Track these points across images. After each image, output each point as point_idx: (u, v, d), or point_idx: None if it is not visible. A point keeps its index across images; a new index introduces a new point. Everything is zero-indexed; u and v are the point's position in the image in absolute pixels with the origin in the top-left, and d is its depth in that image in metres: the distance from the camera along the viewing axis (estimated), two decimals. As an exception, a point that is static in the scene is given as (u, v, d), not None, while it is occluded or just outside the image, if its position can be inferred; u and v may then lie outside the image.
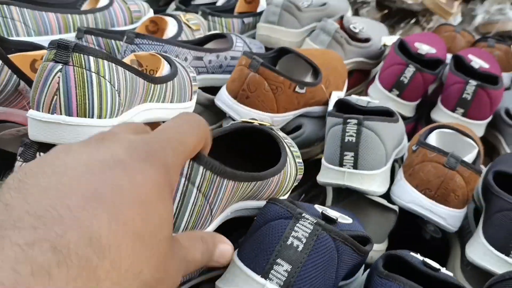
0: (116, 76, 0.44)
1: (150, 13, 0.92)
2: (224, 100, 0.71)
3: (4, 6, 0.73)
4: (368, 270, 0.48)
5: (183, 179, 0.36)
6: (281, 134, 0.58)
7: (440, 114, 0.89)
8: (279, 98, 0.71)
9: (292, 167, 0.55)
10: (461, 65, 0.94)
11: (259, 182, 0.46)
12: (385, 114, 0.70)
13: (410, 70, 0.88)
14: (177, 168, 0.29)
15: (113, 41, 0.73)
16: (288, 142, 0.57)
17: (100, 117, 0.43)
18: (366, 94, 0.96)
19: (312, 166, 0.74)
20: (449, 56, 1.05)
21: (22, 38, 0.73)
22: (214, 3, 1.12)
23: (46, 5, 0.78)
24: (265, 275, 0.39)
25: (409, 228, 0.76)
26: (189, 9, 1.00)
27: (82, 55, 0.41)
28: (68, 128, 0.42)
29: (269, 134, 0.53)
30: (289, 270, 0.39)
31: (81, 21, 0.80)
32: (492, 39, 1.12)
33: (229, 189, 0.42)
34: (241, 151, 0.55)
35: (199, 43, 0.81)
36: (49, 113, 0.42)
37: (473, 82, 0.85)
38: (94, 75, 0.42)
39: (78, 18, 0.80)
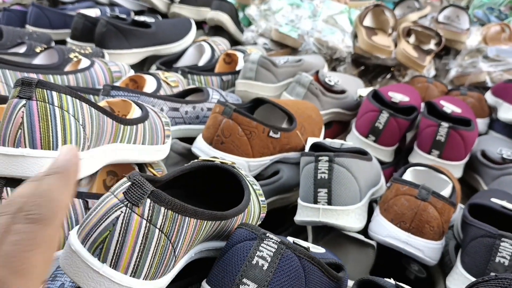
0: (81, 111, 0.46)
1: (131, 73, 0.95)
2: (200, 147, 0.73)
3: (-13, 68, 0.76)
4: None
5: (144, 222, 0.36)
6: (243, 172, 0.58)
7: (417, 157, 0.91)
8: (253, 143, 0.73)
9: (255, 205, 0.54)
10: (434, 110, 0.97)
11: (224, 221, 0.46)
12: (358, 153, 0.71)
13: (384, 116, 0.91)
14: None
15: (91, 96, 0.75)
16: (250, 180, 0.57)
17: (66, 149, 0.44)
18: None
19: (293, 212, 0.74)
20: (423, 105, 1.08)
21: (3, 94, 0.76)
22: (196, 65, 1.17)
23: (30, 66, 0.82)
24: (230, 296, 0.39)
25: (393, 269, 0.75)
26: (171, 70, 1.04)
27: (45, 90, 0.43)
28: (32, 160, 0.43)
29: (231, 172, 0.54)
30: (254, 289, 0.38)
31: (63, 81, 0.83)
32: (464, 88, 1.17)
33: (191, 228, 0.41)
34: (203, 190, 0.55)
35: (177, 97, 0.84)
36: (14, 147, 0.43)
37: (445, 124, 0.87)
38: (57, 109, 0.44)
39: (59, 78, 0.83)
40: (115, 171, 0.59)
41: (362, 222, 0.66)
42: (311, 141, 0.83)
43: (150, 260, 0.36)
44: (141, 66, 1.23)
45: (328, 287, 0.45)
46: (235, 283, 0.39)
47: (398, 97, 1.00)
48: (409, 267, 0.74)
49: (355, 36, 1.33)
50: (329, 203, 0.63)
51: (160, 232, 0.36)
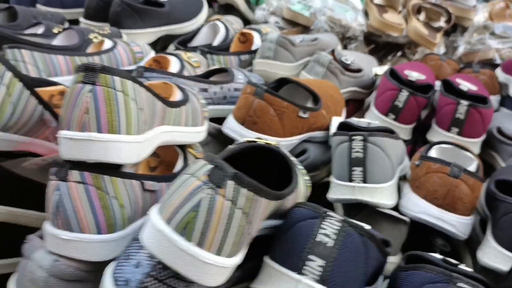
0: (139, 95, 0.47)
1: (151, 54, 0.96)
2: (232, 127, 0.74)
3: (15, 50, 0.76)
4: (388, 279, 0.50)
5: (227, 202, 0.37)
6: (287, 153, 0.59)
7: (436, 135, 0.93)
8: (284, 123, 0.74)
9: (301, 184, 0.56)
10: (450, 88, 0.98)
11: (280, 200, 0.47)
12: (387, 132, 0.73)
13: (403, 95, 0.92)
14: None
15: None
16: (294, 160, 0.59)
17: (127, 133, 0.45)
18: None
19: (321, 189, 0.76)
20: (437, 83, 1.09)
21: (33, 79, 0.76)
22: (210, 44, 1.17)
23: (55, 48, 0.82)
24: (300, 271, 0.41)
25: (419, 245, 0.77)
26: (187, 50, 1.04)
27: (108, 75, 0.44)
28: (99, 144, 0.44)
29: (278, 152, 0.55)
30: (323, 265, 0.40)
31: (88, 61, 0.83)
32: (477, 65, 1.18)
33: (263, 208, 0.42)
34: (246, 170, 0.56)
35: (203, 78, 0.85)
36: (80, 131, 0.44)
37: (464, 102, 0.89)
38: (120, 94, 0.45)
39: (85, 59, 0.83)
40: (157, 152, 0.60)
41: (394, 199, 0.68)
42: (335, 120, 0.85)
43: (232, 238, 0.38)
44: (154, 46, 1.23)
45: (380, 263, 0.47)
46: (302, 259, 0.41)
47: (414, 75, 1.01)
48: (435, 242, 0.77)
49: (365, 14, 1.34)
50: (364, 181, 0.65)
51: (242, 212, 0.38)
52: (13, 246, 0.54)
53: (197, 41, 1.19)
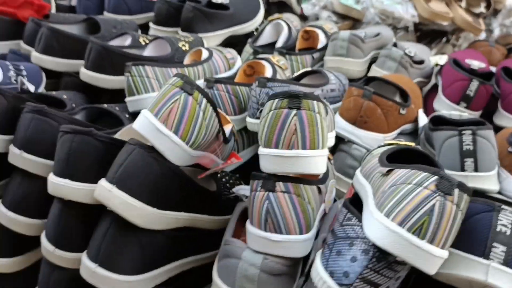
0: (324, 113, 0.55)
1: (239, 58, 1.03)
2: (343, 127, 0.82)
3: (140, 67, 0.83)
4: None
5: (454, 207, 0.45)
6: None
7: (505, 119, 1.02)
8: (389, 121, 0.83)
9: None
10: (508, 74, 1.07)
11: None
12: (479, 123, 0.81)
13: (474, 84, 1.01)
14: None
15: (237, 87, 0.83)
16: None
17: (323, 148, 0.53)
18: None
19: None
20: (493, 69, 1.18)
21: (156, 92, 0.83)
22: (273, 43, 1.24)
23: (167, 62, 0.89)
24: (487, 257, 0.49)
25: None
26: (265, 51, 1.12)
27: (309, 100, 0.52)
28: (304, 159, 0.52)
29: (424, 154, 0.63)
30: (505, 250, 0.49)
31: (194, 72, 0.90)
32: (524, 49, 1.27)
33: None
34: None
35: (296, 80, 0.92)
36: (288, 149, 0.52)
37: (532, 89, 0.98)
38: (318, 115, 0.52)
39: (192, 70, 0.90)
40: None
41: (498, 184, 0.77)
42: (421, 113, 0.93)
43: (453, 235, 0.46)
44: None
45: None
46: (488, 247, 0.50)
47: (475, 64, 1.09)
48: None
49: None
50: (476, 170, 0.74)
51: (461, 213, 0.46)
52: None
53: (262, 40, 1.26)
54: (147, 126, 0.56)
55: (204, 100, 0.57)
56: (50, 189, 0.61)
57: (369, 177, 0.58)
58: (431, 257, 0.45)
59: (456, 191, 0.45)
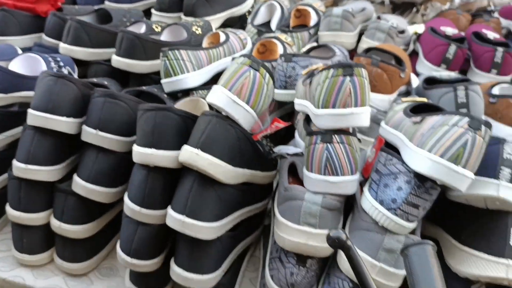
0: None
1: (249, 38, 1.14)
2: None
3: (175, 51, 0.94)
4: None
5: (481, 139, 0.59)
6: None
7: (478, 76, 1.19)
8: (393, 83, 0.98)
9: None
10: (480, 38, 1.24)
11: None
12: (466, 80, 0.97)
13: (452, 48, 1.17)
14: None
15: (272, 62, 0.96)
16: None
17: (366, 105, 0.67)
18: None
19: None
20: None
21: (191, 72, 0.94)
22: (268, 22, 1.36)
23: (196, 45, 1.00)
24: (497, 177, 0.65)
25: None
26: (269, 30, 1.24)
27: (359, 68, 0.65)
28: (356, 115, 0.65)
29: (434, 106, 0.78)
30: (511, 172, 0.65)
31: (217, 53, 1.02)
32: (487, 15, 1.45)
33: None
34: None
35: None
36: (344, 108, 0.65)
37: (500, 49, 1.15)
38: (365, 80, 0.66)
39: (215, 51, 1.02)
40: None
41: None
42: (413, 76, 1.09)
43: (476, 160, 0.61)
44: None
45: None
46: (497, 170, 0.65)
47: (449, 30, 1.26)
48: None
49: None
50: (469, 118, 0.90)
51: (485, 142, 0.61)
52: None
53: (257, 20, 1.38)
54: (223, 99, 0.68)
55: (267, 75, 0.69)
56: (137, 158, 0.72)
57: (397, 127, 0.73)
58: (464, 178, 0.60)
59: (483, 127, 0.60)
